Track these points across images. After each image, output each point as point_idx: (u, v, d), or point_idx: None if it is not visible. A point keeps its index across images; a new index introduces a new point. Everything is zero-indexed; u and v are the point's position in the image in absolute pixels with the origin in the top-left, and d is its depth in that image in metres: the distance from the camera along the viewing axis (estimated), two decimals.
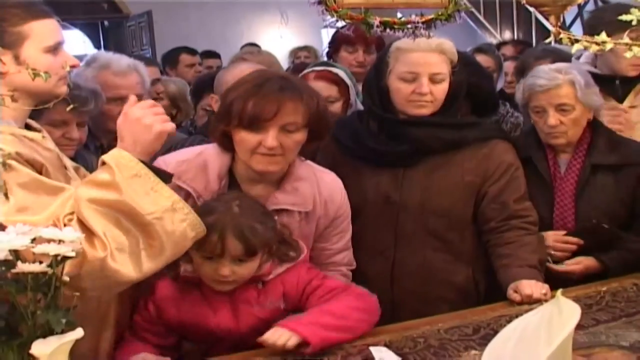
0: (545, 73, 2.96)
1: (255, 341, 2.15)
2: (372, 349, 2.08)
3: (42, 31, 2.15)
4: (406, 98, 2.78)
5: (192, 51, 6.52)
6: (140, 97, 3.26)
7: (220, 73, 3.48)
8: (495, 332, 2.23)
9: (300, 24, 11.76)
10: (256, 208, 2.31)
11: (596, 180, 2.97)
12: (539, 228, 2.85)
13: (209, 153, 2.47)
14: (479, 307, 2.55)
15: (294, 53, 7.14)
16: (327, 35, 12.74)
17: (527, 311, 2.36)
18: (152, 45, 10.71)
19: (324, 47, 8.84)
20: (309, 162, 2.60)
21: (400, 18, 2.48)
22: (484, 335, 2.28)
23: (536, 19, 10.08)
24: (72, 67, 2.21)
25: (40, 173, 2.04)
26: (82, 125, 2.90)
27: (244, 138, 2.33)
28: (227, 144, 2.43)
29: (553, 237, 2.91)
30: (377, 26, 2.47)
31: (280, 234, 2.36)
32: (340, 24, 2.60)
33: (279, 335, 2.13)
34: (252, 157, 2.35)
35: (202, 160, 2.45)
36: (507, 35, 10.52)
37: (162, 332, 2.35)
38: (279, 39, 11.56)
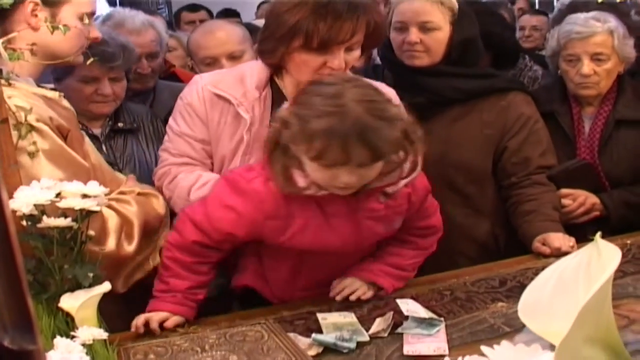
0: (583, 20, 2.91)
1: None
2: (398, 301, 2.07)
3: None
4: (399, 48, 2.75)
5: (193, 7, 6.30)
6: (156, 55, 3.28)
7: (192, 36, 3.41)
8: (522, 285, 2.25)
9: None
10: (377, 99, 1.91)
11: (619, 135, 2.94)
12: None
13: (246, 67, 2.43)
14: (505, 260, 2.53)
15: None
16: None
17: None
18: (168, 4, 10.64)
19: None
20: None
21: None
22: (511, 287, 2.27)
23: None
24: (94, 39, 2.24)
25: (65, 139, 2.05)
26: (118, 80, 2.88)
27: (308, 60, 2.22)
28: (274, 64, 2.34)
29: None
30: None
31: (407, 131, 1.92)
32: None
33: (357, 288, 2.19)
34: (313, 78, 2.18)
35: (239, 72, 2.39)
36: None
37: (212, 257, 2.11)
38: None
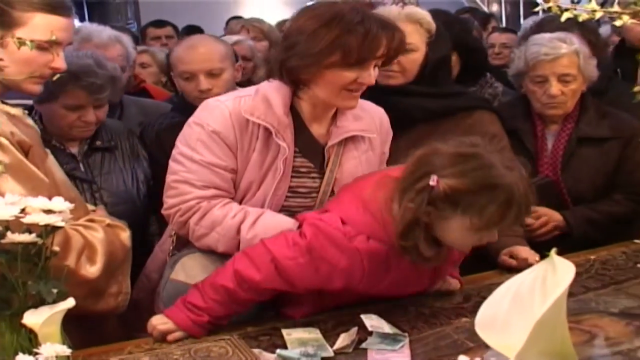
0: (549, 42, 2.96)
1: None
2: (363, 316, 2.08)
3: (41, 24, 2.12)
4: None
5: (159, 23, 6.24)
6: (122, 69, 3.28)
7: (175, 49, 3.37)
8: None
9: None
10: (511, 157, 2.15)
11: (582, 153, 3.00)
12: None
13: (266, 89, 2.33)
14: (469, 276, 2.55)
15: (281, 25, 7.09)
16: None
17: None
18: (137, 19, 10.65)
19: None
20: None
21: None
22: (475, 303, 2.28)
23: None
24: (55, 70, 2.19)
25: (27, 155, 2.04)
26: (102, 106, 2.90)
27: (341, 75, 2.21)
28: (300, 80, 2.30)
29: None
30: None
31: None
32: None
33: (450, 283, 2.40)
34: (339, 94, 2.26)
35: (262, 94, 2.30)
36: (495, 7, 10.47)
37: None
38: (265, 12, 11.45)
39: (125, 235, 2.29)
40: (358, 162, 2.40)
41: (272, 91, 2.31)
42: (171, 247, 2.50)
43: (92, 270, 2.09)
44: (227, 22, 7.08)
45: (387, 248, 2.04)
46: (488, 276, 2.54)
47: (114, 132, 3.01)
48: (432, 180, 1.91)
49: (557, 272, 0.89)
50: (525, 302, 0.91)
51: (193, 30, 6.51)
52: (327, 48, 2.17)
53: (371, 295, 2.20)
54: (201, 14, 9.32)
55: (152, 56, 4.62)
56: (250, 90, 2.37)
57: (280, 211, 2.34)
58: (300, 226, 2.18)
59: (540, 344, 0.83)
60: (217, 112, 2.28)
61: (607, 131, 3.00)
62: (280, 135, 2.27)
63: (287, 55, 2.25)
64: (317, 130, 2.39)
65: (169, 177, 2.34)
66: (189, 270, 2.34)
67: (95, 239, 2.13)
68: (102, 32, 3.31)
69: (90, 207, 2.39)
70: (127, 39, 3.44)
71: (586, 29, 3.29)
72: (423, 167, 1.97)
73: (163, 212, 2.38)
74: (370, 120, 2.45)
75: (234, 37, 4.52)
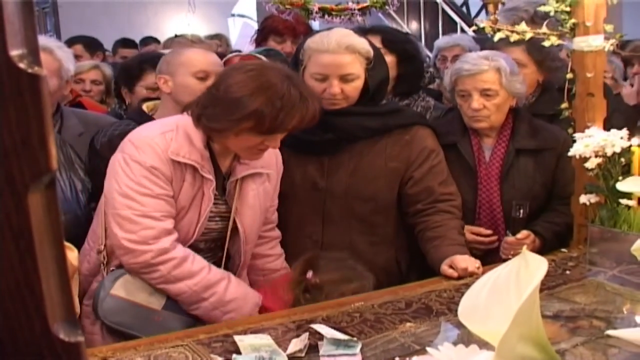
0: (472, 59, 3.07)
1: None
2: (314, 326, 2.13)
3: None
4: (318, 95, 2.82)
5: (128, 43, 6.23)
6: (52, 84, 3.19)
7: (171, 55, 3.28)
8: (427, 306, 2.37)
9: (208, 12, 11.73)
10: None
11: (519, 164, 3.11)
12: (463, 212, 2.97)
13: (185, 124, 2.46)
14: (408, 284, 2.65)
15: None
16: (233, 24, 12.67)
17: (454, 286, 2.51)
18: (57, 30, 10.52)
19: (230, 36, 8.75)
20: None
21: (339, 4, 2.57)
22: (417, 309, 2.37)
23: (442, 10, 10.24)
24: None
25: None
26: None
27: (249, 139, 2.37)
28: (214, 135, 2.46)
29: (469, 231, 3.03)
30: (316, 12, 2.54)
31: None
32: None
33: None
34: (247, 150, 2.44)
35: (184, 132, 2.45)
36: (414, 26, 10.64)
37: None
38: (186, 26, 11.47)
39: (73, 255, 2.31)
40: (256, 194, 2.62)
41: (192, 127, 2.45)
42: (104, 261, 2.54)
43: None
44: (142, 41, 7.06)
45: None
46: (425, 284, 2.63)
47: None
48: None
49: (530, 266, 0.98)
50: (502, 293, 1.00)
51: (127, 44, 6.58)
52: (244, 117, 2.29)
53: None
54: (121, 25, 9.30)
55: (102, 71, 4.59)
56: (171, 124, 2.48)
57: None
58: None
59: (520, 329, 0.93)
60: (149, 149, 2.40)
61: (541, 142, 3.12)
62: (206, 169, 2.46)
63: (205, 111, 2.39)
64: (223, 162, 2.57)
65: (124, 211, 2.38)
66: (130, 286, 2.43)
67: None
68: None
69: None
70: (62, 52, 3.21)
71: (532, 48, 3.43)
72: None
73: (125, 244, 2.38)
74: (269, 157, 2.63)
75: None
